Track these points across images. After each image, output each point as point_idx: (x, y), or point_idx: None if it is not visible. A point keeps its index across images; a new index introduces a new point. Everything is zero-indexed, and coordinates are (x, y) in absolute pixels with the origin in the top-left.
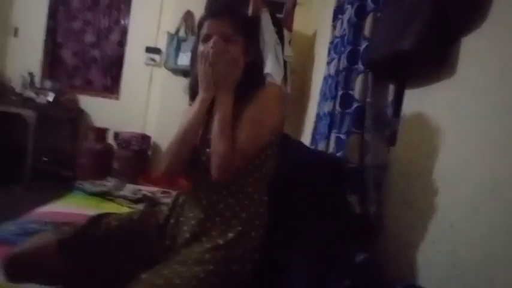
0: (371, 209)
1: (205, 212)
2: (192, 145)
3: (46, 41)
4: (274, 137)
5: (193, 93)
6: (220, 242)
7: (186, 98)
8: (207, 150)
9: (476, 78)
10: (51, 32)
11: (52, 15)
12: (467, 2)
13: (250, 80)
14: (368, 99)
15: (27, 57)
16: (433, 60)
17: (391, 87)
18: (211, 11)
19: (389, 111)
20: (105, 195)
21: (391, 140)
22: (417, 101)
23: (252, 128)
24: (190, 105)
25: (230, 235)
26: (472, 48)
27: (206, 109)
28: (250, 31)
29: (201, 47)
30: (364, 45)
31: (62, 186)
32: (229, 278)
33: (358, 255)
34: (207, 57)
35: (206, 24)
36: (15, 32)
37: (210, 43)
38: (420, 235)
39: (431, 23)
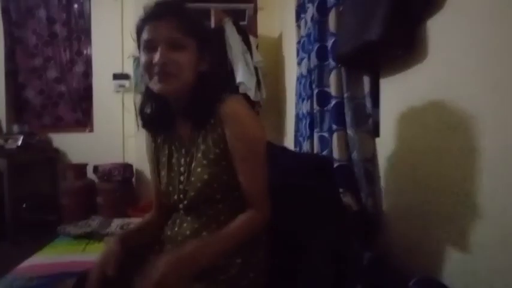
0: (367, 204)
1: None
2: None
3: (7, 84)
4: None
5: (153, 128)
6: (223, 277)
7: None
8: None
9: (448, 55)
10: (11, 73)
11: (9, 56)
12: None
13: (208, 94)
14: (345, 94)
15: None
16: (401, 45)
17: (366, 79)
18: (153, 12)
19: (368, 102)
20: (90, 237)
21: (375, 131)
22: (394, 88)
23: (252, 165)
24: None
25: (232, 271)
26: (439, 27)
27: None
28: (202, 33)
29: (143, 57)
30: (331, 40)
31: (46, 233)
32: None
33: (366, 256)
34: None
35: (147, 29)
36: None
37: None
38: (415, 225)
39: (393, 9)
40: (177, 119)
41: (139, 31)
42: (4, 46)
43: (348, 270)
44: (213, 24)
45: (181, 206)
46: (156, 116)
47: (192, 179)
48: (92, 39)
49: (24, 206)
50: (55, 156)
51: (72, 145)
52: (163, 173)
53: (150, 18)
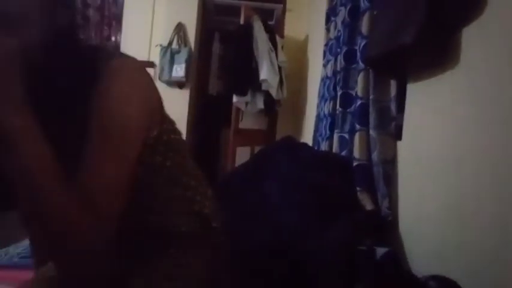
0: (383, 204)
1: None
2: None
3: None
4: (158, 129)
5: None
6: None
7: (184, 109)
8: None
9: (480, 66)
10: None
11: None
12: None
13: (74, 63)
14: (371, 96)
15: None
16: (434, 51)
17: (393, 83)
18: None
19: (393, 106)
20: None
21: (397, 134)
22: (420, 93)
23: (106, 153)
24: None
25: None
26: (474, 36)
27: None
28: None
29: None
30: (362, 43)
31: None
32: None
33: (379, 251)
34: None
35: None
36: None
37: None
38: (432, 227)
39: (430, 15)
40: None
41: None
42: None
43: (361, 263)
44: (242, 20)
45: None
46: None
47: None
48: (122, 25)
49: None
50: None
51: None
52: None
53: None
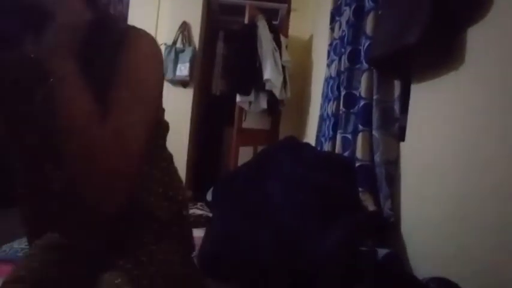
0: (385, 205)
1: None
2: None
3: None
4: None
5: None
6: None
7: (187, 108)
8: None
9: (485, 67)
10: None
11: None
12: None
13: (99, 28)
14: (375, 96)
15: None
16: (438, 52)
17: (397, 83)
18: None
19: (397, 106)
20: None
21: (400, 135)
22: (424, 94)
23: (133, 107)
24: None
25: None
26: (478, 37)
27: None
28: None
29: None
30: (366, 43)
31: None
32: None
33: (380, 252)
34: None
35: None
36: None
37: None
38: (434, 229)
39: (434, 15)
40: None
41: None
42: None
43: (362, 264)
44: (246, 20)
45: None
46: None
47: None
48: (127, 23)
49: None
50: None
51: None
52: None
53: None
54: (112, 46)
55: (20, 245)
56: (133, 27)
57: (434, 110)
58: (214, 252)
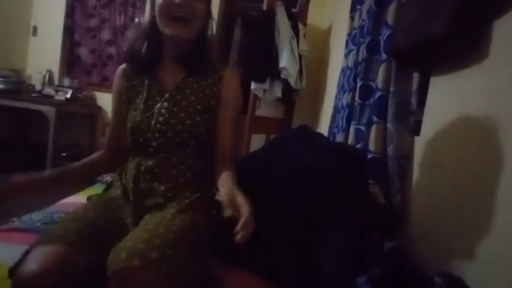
0: (396, 199)
1: (175, 180)
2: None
3: (64, 40)
4: None
5: (136, 67)
6: (188, 201)
7: None
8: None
9: (509, 62)
10: (68, 30)
11: (69, 13)
12: None
13: (208, 48)
14: (391, 88)
15: (46, 55)
16: (464, 44)
17: (416, 75)
18: None
19: (414, 100)
20: None
21: (416, 129)
22: (443, 88)
23: (233, 126)
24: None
25: (196, 195)
26: (505, 30)
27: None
28: None
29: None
30: (386, 33)
31: None
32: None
33: (387, 244)
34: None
35: None
36: (34, 31)
37: None
38: (445, 225)
39: (461, 4)
40: (163, 64)
41: None
42: (65, 3)
43: (368, 254)
44: (265, 6)
45: (154, 143)
46: (147, 57)
47: (172, 121)
48: (146, 6)
49: (63, 154)
50: (97, 112)
51: None
52: (136, 112)
53: None
54: (214, 74)
55: (38, 216)
56: (228, 67)
57: (452, 105)
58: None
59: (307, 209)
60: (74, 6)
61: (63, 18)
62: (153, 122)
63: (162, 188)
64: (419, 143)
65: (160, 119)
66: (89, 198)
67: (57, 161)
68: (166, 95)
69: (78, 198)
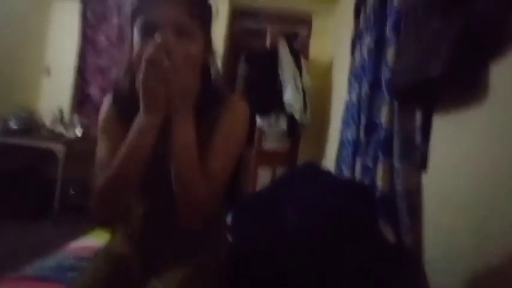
0: (407, 238)
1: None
2: (133, 187)
3: (75, 79)
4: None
5: (124, 109)
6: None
7: None
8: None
9: (509, 103)
10: (80, 70)
11: (81, 54)
12: (496, 25)
13: (209, 89)
14: (395, 126)
15: (57, 94)
16: (463, 85)
17: (419, 112)
18: None
19: (418, 136)
20: None
21: (422, 165)
22: (447, 125)
23: (227, 156)
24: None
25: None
26: (503, 72)
27: (153, 138)
28: (209, 18)
29: (138, 45)
30: (386, 73)
31: (86, 219)
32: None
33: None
34: (157, 63)
35: (150, 10)
36: (47, 72)
37: (158, 39)
38: (460, 267)
39: (458, 48)
40: None
41: (136, 11)
42: (78, 45)
43: None
44: (268, 43)
45: (163, 192)
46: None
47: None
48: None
49: (71, 192)
50: None
51: None
52: None
53: None
54: (216, 105)
55: (49, 263)
56: (234, 95)
57: (457, 141)
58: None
59: (314, 248)
60: (86, 47)
61: (75, 59)
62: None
63: (170, 239)
64: (428, 179)
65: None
66: (96, 255)
67: (65, 198)
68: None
69: (87, 242)
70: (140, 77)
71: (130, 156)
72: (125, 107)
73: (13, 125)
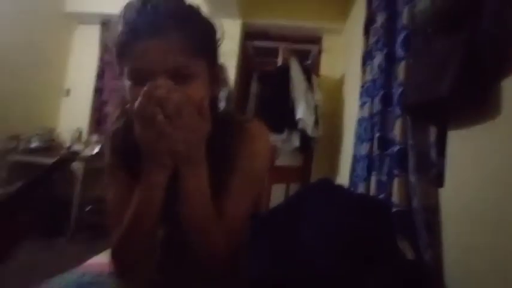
0: (426, 255)
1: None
2: (149, 240)
3: (94, 100)
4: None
5: (126, 158)
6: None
7: None
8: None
9: None
10: (98, 91)
11: (99, 76)
12: (502, 44)
13: (220, 124)
14: (409, 141)
15: (76, 114)
16: (472, 102)
17: (433, 128)
18: (147, 25)
19: (433, 151)
20: None
21: (438, 181)
22: (462, 140)
23: (246, 197)
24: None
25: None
26: None
27: (162, 194)
28: (214, 46)
29: (130, 92)
30: (398, 90)
31: (101, 236)
32: None
33: None
34: (147, 117)
35: (138, 51)
36: (67, 93)
37: (146, 89)
38: (478, 280)
39: (465, 67)
40: None
41: (121, 52)
42: (97, 67)
43: None
44: (280, 61)
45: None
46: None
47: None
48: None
49: (87, 209)
50: None
51: None
52: None
53: (142, 35)
54: (232, 136)
55: (64, 281)
56: (251, 120)
57: (474, 156)
58: None
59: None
60: (104, 69)
61: (94, 81)
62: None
63: (190, 264)
64: (445, 195)
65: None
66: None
67: (82, 214)
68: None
69: (103, 260)
70: (136, 132)
71: (141, 213)
72: (127, 155)
73: (35, 144)
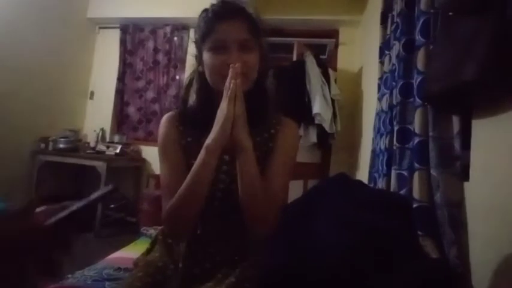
0: (451, 253)
1: (231, 244)
2: (202, 202)
3: (115, 101)
4: None
5: (191, 124)
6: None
7: None
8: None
9: None
10: (119, 92)
11: (121, 78)
12: None
13: (263, 102)
14: (430, 133)
15: (100, 115)
16: (499, 87)
17: (456, 118)
18: (225, 10)
19: (457, 143)
20: None
21: (463, 174)
22: (488, 130)
23: (285, 175)
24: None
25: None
26: None
27: (216, 162)
28: (262, 34)
29: (211, 58)
30: (418, 78)
31: (128, 232)
32: None
33: None
34: (235, 92)
35: (219, 29)
36: (91, 95)
37: (235, 69)
38: (509, 281)
39: (493, 48)
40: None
41: (207, 31)
42: (118, 70)
43: None
44: (295, 57)
45: (212, 210)
46: (200, 114)
47: (233, 187)
48: (185, 66)
49: (112, 206)
50: (142, 165)
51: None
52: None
53: (222, 17)
54: (270, 129)
55: (89, 272)
56: (284, 117)
57: (500, 147)
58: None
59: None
60: (125, 71)
61: (116, 83)
62: (213, 190)
63: (216, 253)
64: (471, 189)
65: (221, 186)
66: (135, 264)
67: (106, 212)
68: (226, 157)
69: (125, 254)
70: (222, 105)
71: (199, 173)
72: (190, 123)
73: (62, 145)
